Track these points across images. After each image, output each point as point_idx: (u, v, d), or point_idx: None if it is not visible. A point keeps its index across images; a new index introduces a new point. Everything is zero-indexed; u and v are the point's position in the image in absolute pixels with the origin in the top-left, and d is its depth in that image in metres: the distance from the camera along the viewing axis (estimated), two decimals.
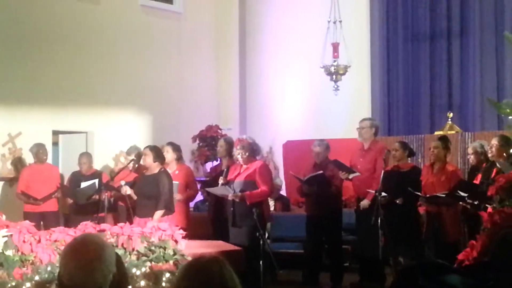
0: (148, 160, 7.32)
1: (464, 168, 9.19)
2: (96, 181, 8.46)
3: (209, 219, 8.65)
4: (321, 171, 8.03)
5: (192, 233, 7.11)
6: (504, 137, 7.25)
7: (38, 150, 9.16)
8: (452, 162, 8.75)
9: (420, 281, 2.73)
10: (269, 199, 8.54)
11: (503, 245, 3.55)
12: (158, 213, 6.97)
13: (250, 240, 7.13)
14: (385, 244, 7.49)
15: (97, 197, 8.12)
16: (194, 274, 2.40)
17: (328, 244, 8.40)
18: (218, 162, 9.93)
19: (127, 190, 7.35)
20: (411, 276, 2.81)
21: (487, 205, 6.32)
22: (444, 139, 8.05)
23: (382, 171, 7.59)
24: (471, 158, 8.05)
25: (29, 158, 9.60)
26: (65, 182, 9.42)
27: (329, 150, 8.35)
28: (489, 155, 7.50)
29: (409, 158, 8.25)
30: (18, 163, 9.80)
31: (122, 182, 7.48)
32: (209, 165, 11.53)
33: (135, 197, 7.34)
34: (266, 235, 7.90)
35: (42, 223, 8.61)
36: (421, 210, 8.07)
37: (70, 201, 9.12)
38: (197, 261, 2.47)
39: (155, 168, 7.30)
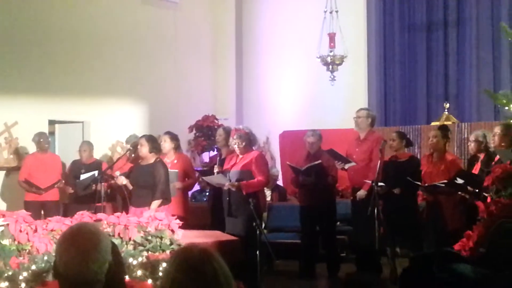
0: (144, 150, 7.28)
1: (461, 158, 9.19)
2: (96, 173, 8.45)
3: (208, 208, 8.65)
4: (319, 161, 8.03)
5: (190, 222, 7.09)
6: (507, 125, 7.18)
7: (40, 139, 9.16)
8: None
9: (433, 268, 2.74)
10: (265, 189, 8.54)
11: (499, 235, 3.55)
12: (155, 203, 6.96)
13: (246, 230, 7.12)
14: (382, 235, 7.48)
15: (94, 187, 8.11)
16: (187, 268, 2.36)
17: (323, 234, 8.41)
18: (216, 152, 9.92)
19: (122, 181, 7.34)
20: (424, 263, 2.81)
21: (485, 194, 6.32)
22: (443, 129, 8.03)
23: (379, 162, 7.57)
24: (472, 145, 7.90)
25: (27, 147, 9.60)
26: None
27: (322, 140, 8.36)
28: (491, 144, 7.45)
29: (406, 148, 8.25)
30: (16, 153, 9.78)
31: (117, 173, 7.47)
32: (205, 155, 11.53)
33: (131, 187, 7.32)
34: (263, 225, 7.90)
35: (42, 212, 8.61)
36: (419, 200, 8.08)
37: (70, 190, 9.11)
38: (188, 253, 2.41)
39: (151, 158, 7.27)
